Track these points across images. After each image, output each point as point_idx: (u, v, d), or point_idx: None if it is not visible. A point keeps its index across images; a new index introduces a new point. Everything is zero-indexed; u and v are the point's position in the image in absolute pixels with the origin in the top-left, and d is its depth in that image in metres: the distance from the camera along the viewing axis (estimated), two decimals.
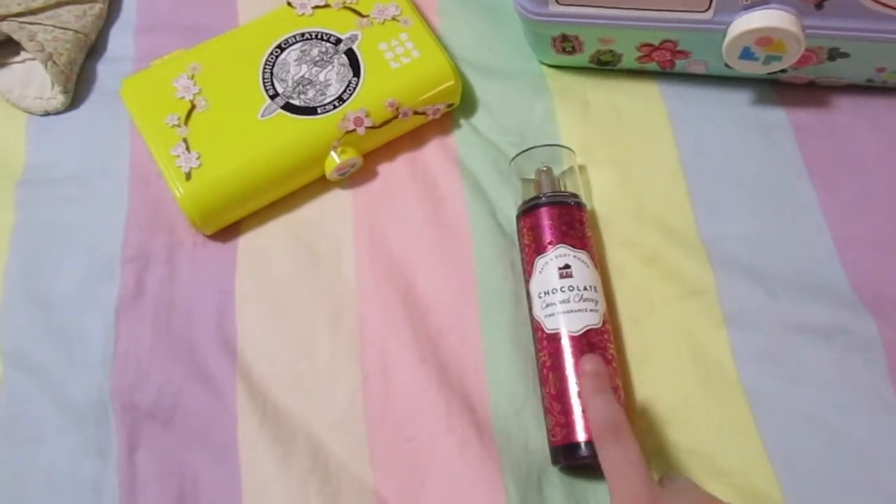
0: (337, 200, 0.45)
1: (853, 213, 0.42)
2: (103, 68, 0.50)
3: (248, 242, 0.44)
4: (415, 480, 0.38)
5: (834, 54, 0.43)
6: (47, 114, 0.48)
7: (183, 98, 0.44)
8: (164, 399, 0.40)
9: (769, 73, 0.44)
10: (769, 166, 0.44)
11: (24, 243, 0.45)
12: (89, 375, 0.41)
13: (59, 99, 0.48)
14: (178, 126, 0.43)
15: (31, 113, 0.48)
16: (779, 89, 0.46)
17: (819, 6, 0.40)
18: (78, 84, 0.49)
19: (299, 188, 0.45)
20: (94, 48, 0.50)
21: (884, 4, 0.39)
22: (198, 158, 0.42)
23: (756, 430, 0.38)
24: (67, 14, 0.49)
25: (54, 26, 0.48)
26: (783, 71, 0.44)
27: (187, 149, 0.43)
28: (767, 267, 0.41)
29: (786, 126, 0.45)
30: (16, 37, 0.47)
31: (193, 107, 0.44)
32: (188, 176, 0.42)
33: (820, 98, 0.45)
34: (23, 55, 0.49)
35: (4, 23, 0.47)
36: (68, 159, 0.47)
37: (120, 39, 0.50)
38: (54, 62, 0.47)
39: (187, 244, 0.45)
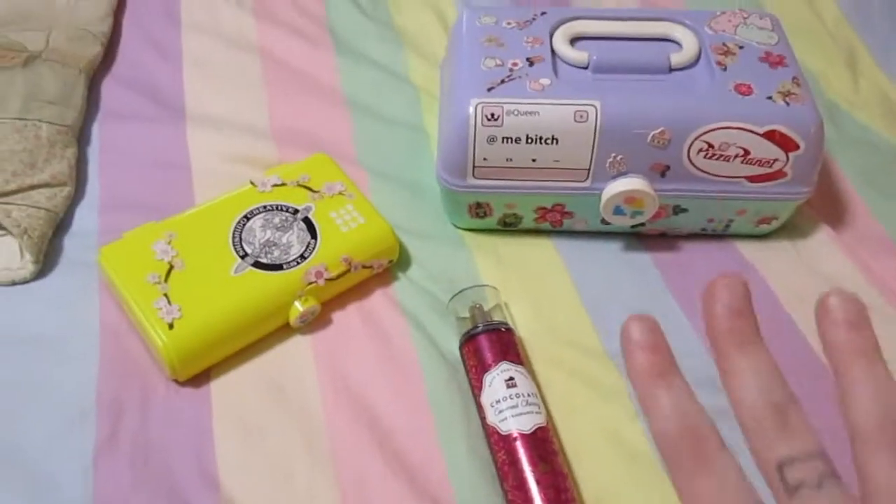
0: (298, 345, 0.52)
1: None
2: (69, 242, 0.54)
3: (219, 386, 0.49)
4: None
5: (677, 210, 0.57)
6: (14, 283, 0.51)
7: (162, 259, 0.50)
8: None
9: (633, 227, 0.58)
10: (645, 295, 0.56)
11: None
12: None
13: (28, 269, 0.51)
14: (159, 283, 0.49)
15: None
16: (641, 238, 0.60)
17: (663, 174, 0.55)
18: (45, 256, 0.53)
19: (264, 336, 0.51)
20: (60, 224, 0.55)
21: (707, 173, 0.55)
22: (179, 310, 0.48)
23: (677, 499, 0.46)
24: (39, 195, 0.54)
25: (28, 206, 0.53)
26: (642, 224, 0.58)
27: (169, 302, 0.48)
28: None
29: (651, 265, 0.58)
30: None
31: (172, 266, 0.49)
32: (171, 325, 0.47)
33: (671, 244, 0.60)
34: None
35: None
36: (36, 321, 0.50)
37: (85, 217, 0.56)
38: (29, 235, 0.51)
39: (160, 391, 0.48)
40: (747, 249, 0.59)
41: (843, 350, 0.23)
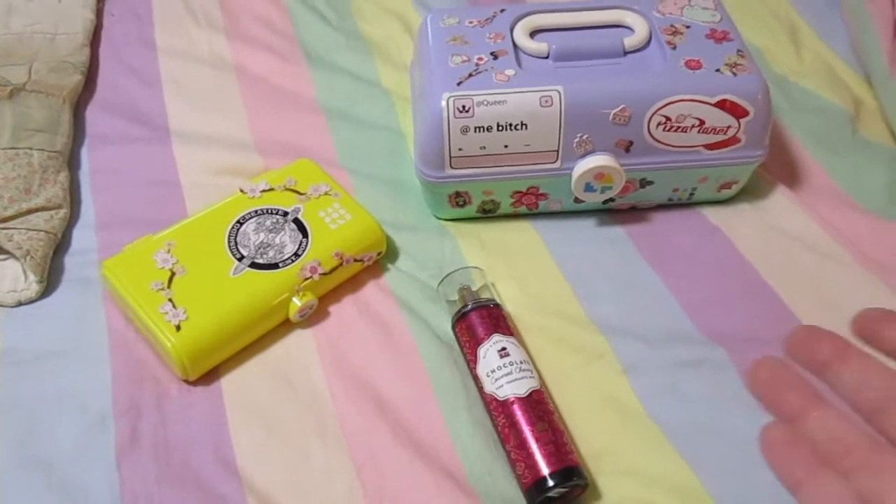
0: (300, 338, 0.54)
1: (686, 285, 0.58)
2: (70, 260, 0.57)
3: (229, 382, 0.51)
4: None
5: (643, 183, 0.61)
6: (20, 304, 0.54)
7: (163, 267, 0.52)
8: None
9: (604, 203, 0.62)
10: (621, 264, 0.60)
11: (11, 417, 0.48)
12: None
13: (33, 288, 0.54)
14: (163, 289, 0.51)
15: (2, 306, 0.53)
16: (613, 214, 0.63)
17: (627, 150, 0.58)
18: (48, 275, 0.55)
19: (267, 332, 0.54)
20: (59, 245, 0.57)
21: (667, 144, 0.58)
22: (184, 312, 0.50)
23: (670, 445, 0.49)
24: (37, 219, 0.56)
25: (27, 229, 0.55)
26: (613, 200, 0.62)
27: (174, 306, 0.50)
28: (641, 329, 0.55)
29: (624, 237, 0.62)
30: None
31: (174, 273, 0.52)
32: (178, 327, 0.49)
33: (641, 216, 0.63)
34: None
35: None
36: (46, 339, 0.52)
37: (83, 236, 0.58)
38: (31, 256, 0.53)
39: (173, 391, 0.50)
40: (712, 214, 0.63)
41: None
